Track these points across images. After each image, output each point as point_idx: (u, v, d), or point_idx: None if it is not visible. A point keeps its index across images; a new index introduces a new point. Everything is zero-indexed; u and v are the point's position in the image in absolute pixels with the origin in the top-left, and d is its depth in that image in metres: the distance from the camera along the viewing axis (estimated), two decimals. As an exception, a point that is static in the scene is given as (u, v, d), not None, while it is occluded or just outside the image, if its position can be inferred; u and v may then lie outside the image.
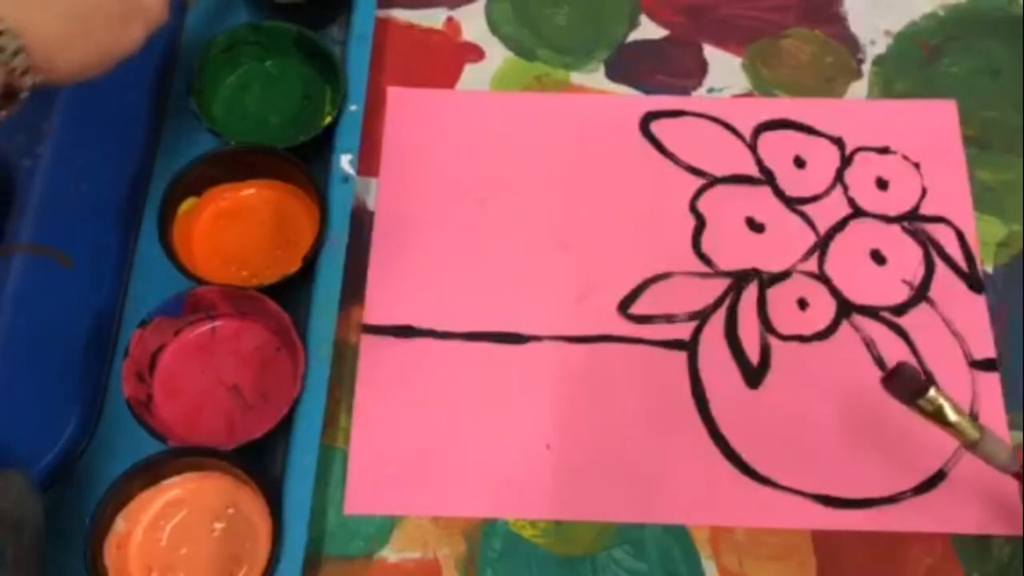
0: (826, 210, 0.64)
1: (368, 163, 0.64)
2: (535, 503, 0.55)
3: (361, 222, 0.62)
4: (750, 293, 0.61)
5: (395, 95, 0.67)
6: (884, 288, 0.61)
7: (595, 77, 0.68)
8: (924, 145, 0.66)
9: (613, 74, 0.68)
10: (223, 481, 0.52)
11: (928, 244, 0.62)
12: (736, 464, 0.56)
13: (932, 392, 0.50)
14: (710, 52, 0.69)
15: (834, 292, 0.61)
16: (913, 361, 0.59)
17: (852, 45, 0.69)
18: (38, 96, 0.42)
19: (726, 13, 0.71)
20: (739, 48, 0.69)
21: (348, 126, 0.61)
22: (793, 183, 0.64)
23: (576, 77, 0.68)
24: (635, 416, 0.57)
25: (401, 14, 0.70)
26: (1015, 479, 0.51)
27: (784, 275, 0.61)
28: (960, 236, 0.63)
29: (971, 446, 0.51)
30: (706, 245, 0.62)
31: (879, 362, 0.59)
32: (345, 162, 0.60)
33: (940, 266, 0.62)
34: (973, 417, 0.57)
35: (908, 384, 0.51)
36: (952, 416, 0.50)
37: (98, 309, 0.55)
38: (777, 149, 0.65)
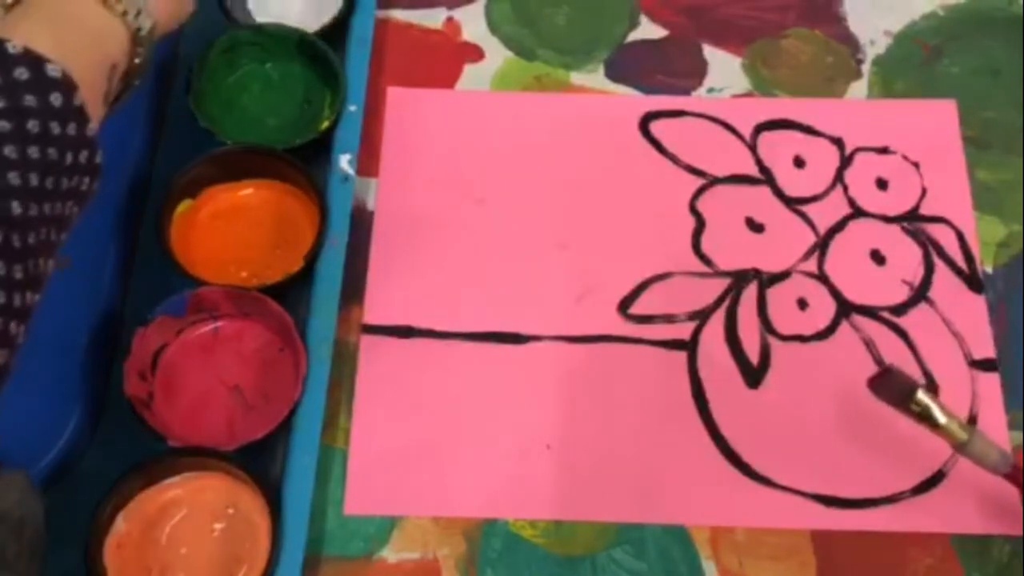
0: (826, 210, 0.64)
1: (368, 163, 0.64)
2: (535, 503, 0.55)
3: (361, 222, 0.62)
4: (750, 293, 0.61)
5: (395, 95, 0.67)
6: (884, 288, 0.61)
7: (595, 77, 0.68)
8: (924, 145, 0.65)
9: (613, 74, 0.68)
10: (223, 481, 0.52)
11: (928, 244, 0.62)
12: (736, 464, 0.56)
13: (919, 394, 0.50)
14: (710, 52, 0.69)
15: (834, 292, 0.61)
16: (913, 361, 0.59)
17: (852, 45, 0.69)
18: None
19: (726, 13, 0.71)
20: (739, 48, 0.69)
21: (348, 126, 0.61)
22: (793, 183, 0.64)
23: (576, 77, 0.68)
24: (635, 416, 0.57)
25: (401, 14, 0.70)
26: (1007, 480, 0.51)
27: (784, 275, 0.61)
28: (960, 236, 0.63)
29: (960, 447, 0.51)
30: (706, 245, 0.62)
31: (879, 362, 0.59)
32: (345, 162, 0.60)
33: (940, 266, 0.62)
34: (972, 418, 0.57)
35: (895, 387, 0.51)
36: (941, 418, 0.50)
37: (98, 309, 0.55)
38: (777, 149, 0.65)
